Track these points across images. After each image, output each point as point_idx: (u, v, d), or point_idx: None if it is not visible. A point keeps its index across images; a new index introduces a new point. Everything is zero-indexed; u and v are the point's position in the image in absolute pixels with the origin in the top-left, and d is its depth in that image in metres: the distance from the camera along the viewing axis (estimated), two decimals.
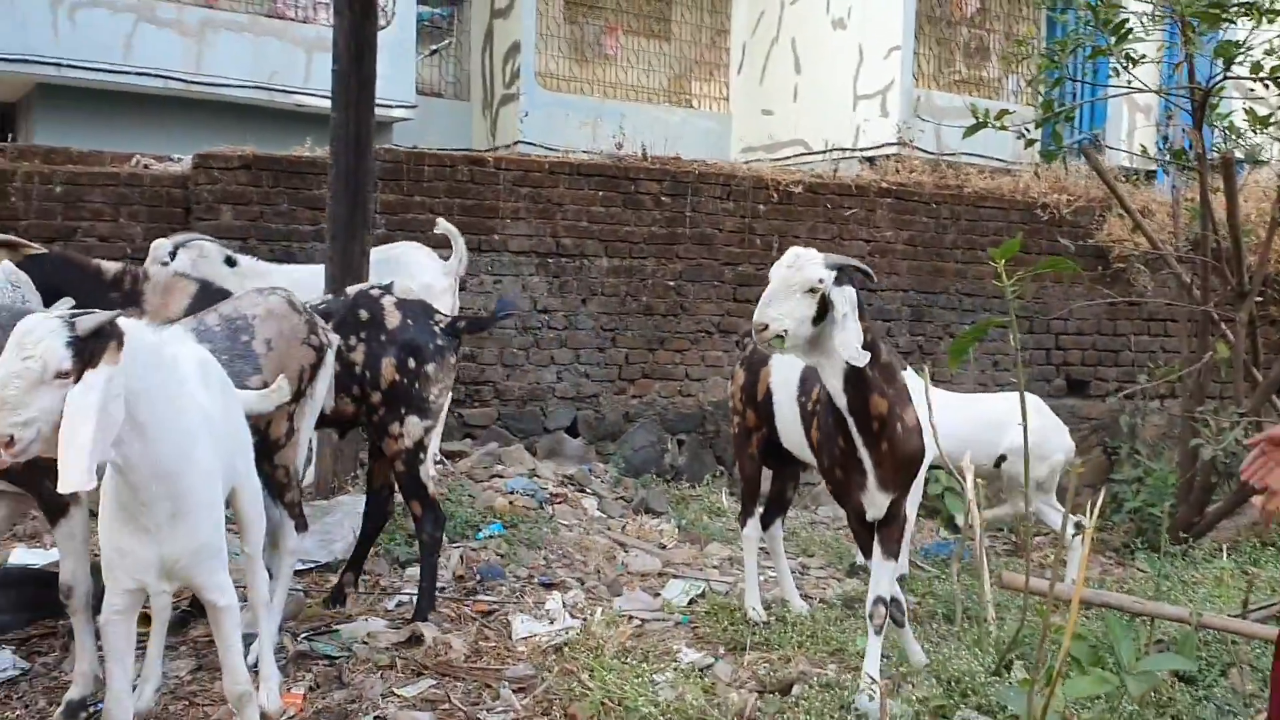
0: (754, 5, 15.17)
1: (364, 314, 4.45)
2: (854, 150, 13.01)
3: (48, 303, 4.14)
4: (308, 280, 5.67)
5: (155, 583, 2.83)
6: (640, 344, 7.77)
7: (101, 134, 10.37)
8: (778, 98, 14.63)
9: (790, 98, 14.43)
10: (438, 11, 15.04)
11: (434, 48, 14.55)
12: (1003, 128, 6.19)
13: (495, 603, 4.85)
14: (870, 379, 3.75)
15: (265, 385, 3.59)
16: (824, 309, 3.58)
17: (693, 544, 6.27)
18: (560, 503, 6.43)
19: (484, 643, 4.43)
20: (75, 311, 2.52)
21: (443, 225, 6.34)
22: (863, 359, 3.61)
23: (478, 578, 5.11)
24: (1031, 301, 9.16)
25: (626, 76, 15.02)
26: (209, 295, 4.70)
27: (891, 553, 4.11)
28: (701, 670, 4.21)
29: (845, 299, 3.61)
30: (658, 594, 5.21)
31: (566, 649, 4.33)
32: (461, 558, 5.29)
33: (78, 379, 2.37)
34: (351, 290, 4.70)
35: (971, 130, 6.01)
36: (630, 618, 4.82)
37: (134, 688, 3.57)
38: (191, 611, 4.40)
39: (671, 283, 7.90)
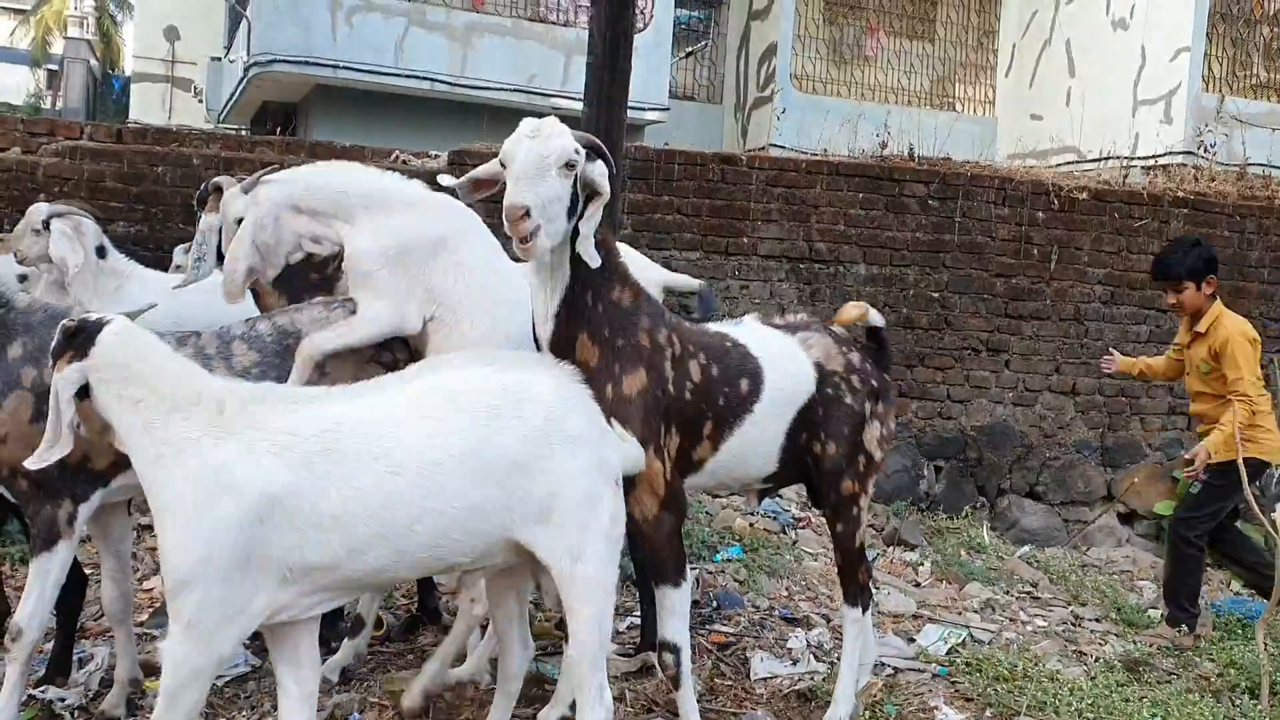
0: (1026, 5, 14.39)
1: None
2: (1132, 158, 12.04)
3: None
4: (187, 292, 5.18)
5: None
6: (898, 359, 7.21)
7: (371, 133, 10.74)
8: (1048, 102, 13.81)
9: (1062, 102, 13.58)
10: (694, 15, 14.94)
11: (689, 50, 14.42)
12: None
13: (733, 635, 4.48)
14: (588, 312, 2.94)
15: None
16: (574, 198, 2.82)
17: (950, 583, 5.71)
18: (804, 527, 5.99)
19: (720, 680, 4.07)
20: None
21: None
22: (596, 260, 2.85)
23: (714, 604, 4.75)
24: None
25: (886, 79, 14.50)
26: None
27: (666, 577, 3.14)
28: None
29: (604, 175, 2.88)
30: (912, 639, 4.71)
31: (811, 696, 3.91)
32: (698, 580, 4.94)
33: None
34: None
35: None
36: (882, 665, 4.35)
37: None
38: (420, 617, 4.27)
39: (936, 294, 7.31)
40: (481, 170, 3.01)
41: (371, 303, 3.24)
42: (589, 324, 2.94)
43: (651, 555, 3.15)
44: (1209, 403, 5.33)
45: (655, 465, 3.03)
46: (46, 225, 4.62)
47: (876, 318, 3.75)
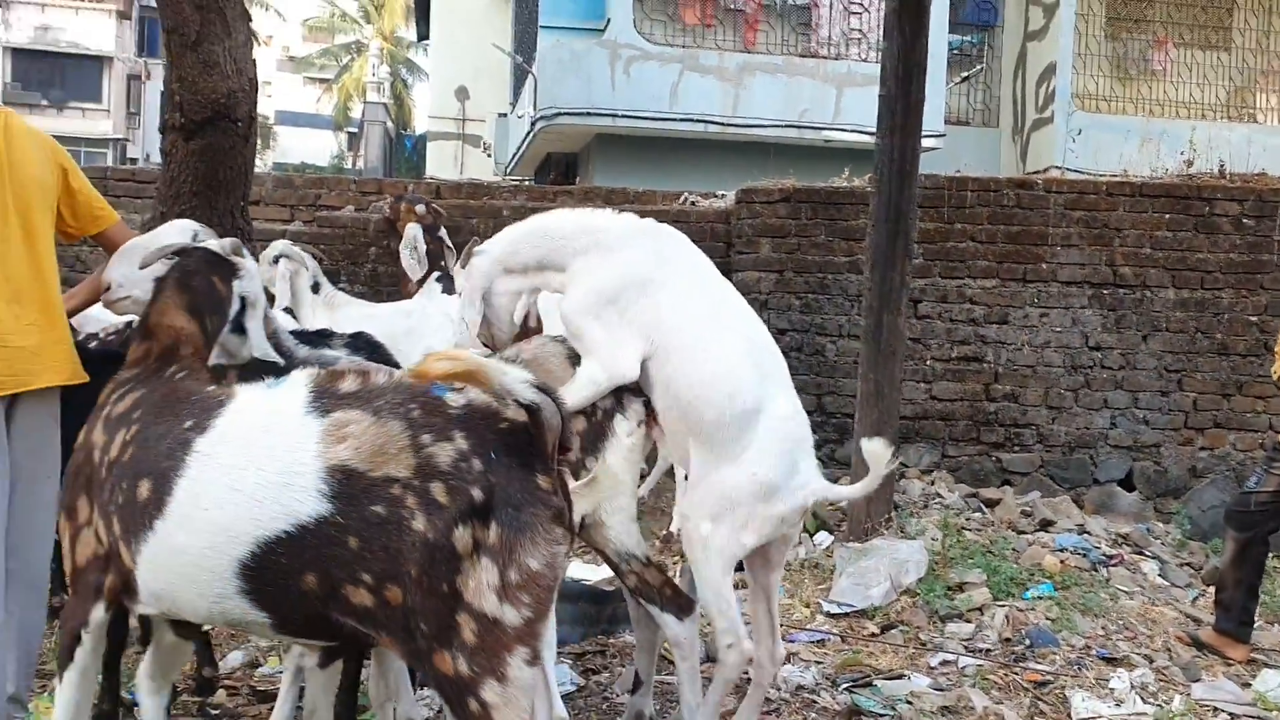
0: None
1: None
2: None
3: None
4: (388, 318, 5.17)
5: None
6: (1213, 388, 6.78)
7: (647, 177, 11.12)
8: None
9: None
10: (968, 39, 14.67)
11: (964, 75, 14.15)
12: None
13: (1049, 673, 4.34)
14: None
15: None
16: None
17: (1278, 625, 5.29)
18: (1115, 564, 5.71)
19: (1039, 718, 3.95)
20: None
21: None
22: None
23: (1026, 642, 4.62)
24: None
25: (1176, 92, 13.70)
26: None
27: None
28: None
29: None
30: (1248, 684, 4.40)
31: None
32: (1008, 618, 4.82)
33: None
34: None
35: None
36: (1215, 710, 4.10)
37: None
38: None
39: (1254, 318, 6.83)
40: None
41: (586, 363, 3.12)
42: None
43: None
44: None
45: None
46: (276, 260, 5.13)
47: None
